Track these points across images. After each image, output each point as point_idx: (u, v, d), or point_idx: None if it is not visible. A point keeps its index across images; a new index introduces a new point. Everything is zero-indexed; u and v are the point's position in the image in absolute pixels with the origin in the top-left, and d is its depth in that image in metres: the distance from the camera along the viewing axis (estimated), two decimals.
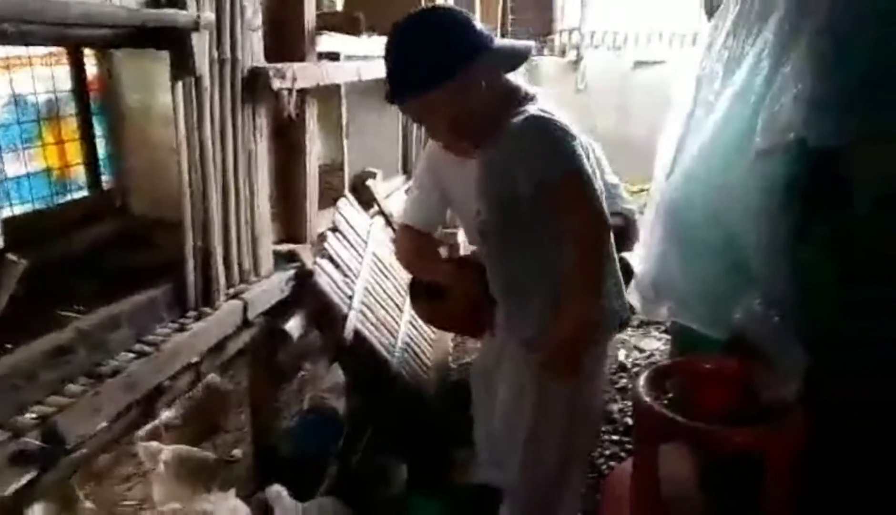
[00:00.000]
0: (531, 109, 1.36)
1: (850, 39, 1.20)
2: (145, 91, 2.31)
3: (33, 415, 1.28)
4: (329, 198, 2.61)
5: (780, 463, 1.21)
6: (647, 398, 1.31)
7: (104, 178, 2.36)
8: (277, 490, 1.84)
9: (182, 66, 1.57)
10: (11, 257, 1.12)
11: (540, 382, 1.47)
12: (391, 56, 1.45)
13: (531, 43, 1.49)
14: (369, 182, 2.90)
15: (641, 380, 1.38)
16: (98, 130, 2.33)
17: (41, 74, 2.16)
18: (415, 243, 1.93)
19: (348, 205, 2.61)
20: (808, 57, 1.24)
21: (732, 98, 1.46)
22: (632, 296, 1.78)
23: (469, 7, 3.80)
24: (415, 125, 3.49)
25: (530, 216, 1.37)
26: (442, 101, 1.36)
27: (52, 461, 1.27)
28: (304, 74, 2.06)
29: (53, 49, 2.15)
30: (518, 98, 1.41)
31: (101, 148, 2.34)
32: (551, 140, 1.31)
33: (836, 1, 1.23)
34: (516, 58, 1.44)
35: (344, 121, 2.76)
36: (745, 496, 1.29)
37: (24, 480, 1.25)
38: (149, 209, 2.38)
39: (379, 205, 2.87)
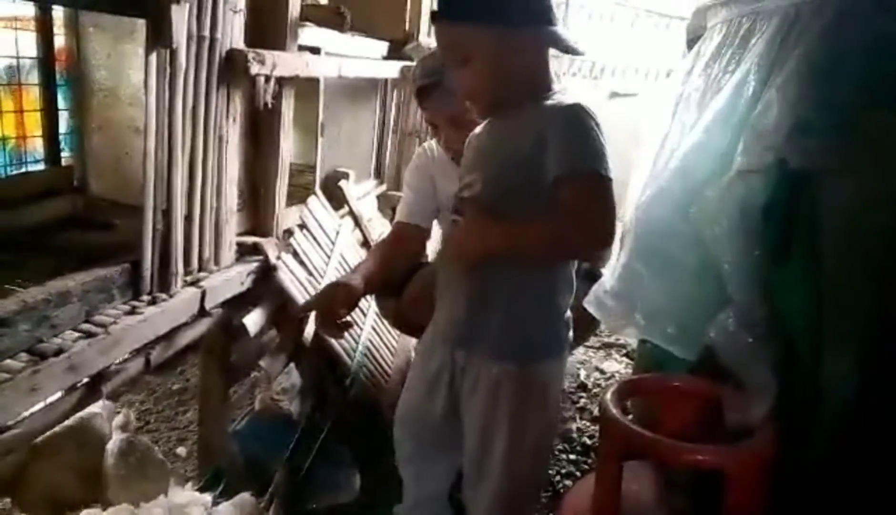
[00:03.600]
0: (572, 96, 1.30)
1: (839, 65, 1.22)
2: (114, 69, 2.23)
3: None
4: (298, 198, 2.55)
5: (746, 484, 1.20)
6: (615, 411, 1.29)
7: (64, 153, 2.27)
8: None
9: (158, 37, 1.51)
10: None
11: (515, 394, 1.38)
12: None
13: (580, 46, 1.41)
14: (341, 183, 2.85)
15: (609, 394, 1.36)
16: (61, 104, 2.24)
17: (4, 38, 2.06)
18: (407, 238, 1.97)
19: (318, 203, 2.55)
20: (795, 77, 1.25)
21: (713, 118, 1.46)
22: (597, 310, 1.76)
23: None
24: (391, 130, 3.46)
25: (531, 199, 1.27)
26: (493, 45, 1.26)
27: None
28: (284, 62, 2.01)
29: (18, 12, 2.06)
30: (552, 84, 1.35)
31: (64, 122, 2.25)
32: (598, 135, 1.24)
33: (829, 24, 1.26)
34: (567, 47, 1.35)
35: (320, 118, 2.71)
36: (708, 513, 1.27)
37: None
38: (108, 191, 2.29)
39: (350, 206, 2.82)
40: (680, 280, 1.51)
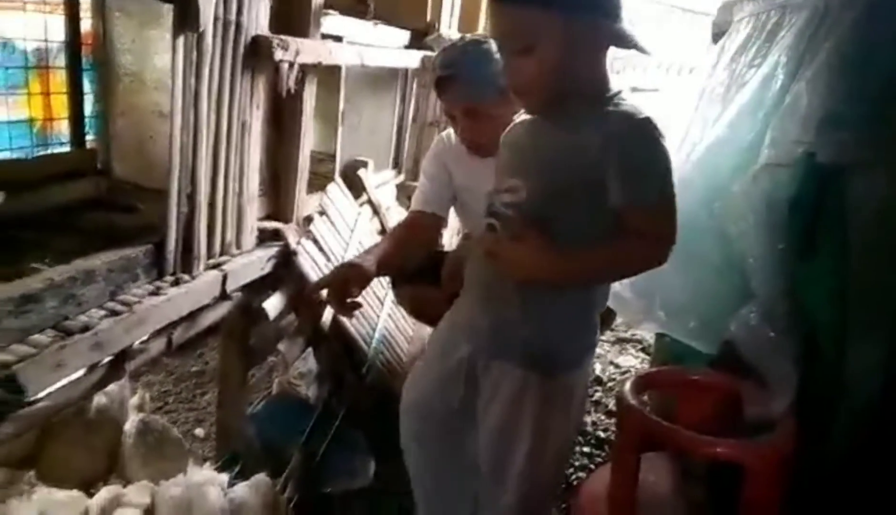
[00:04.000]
0: (640, 107, 1.21)
1: (870, 57, 1.20)
2: (139, 54, 2.25)
3: None
4: (318, 185, 2.57)
5: (765, 478, 1.19)
6: (633, 401, 1.29)
7: (88, 136, 2.29)
8: None
9: (185, 20, 1.52)
10: None
11: (539, 401, 1.36)
12: None
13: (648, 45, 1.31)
14: (360, 172, 2.86)
15: (627, 385, 1.36)
16: (87, 87, 2.26)
17: (33, 21, 2.09)
18: (422, 226, 1.91)
19: (337, 190, 2.57)
20: (825, 70, 1.24)
21: (738, 112, 1.45)
22: (616, 304, 1.76)
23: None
24: (410, 120, 3.47)
25: (587, 215, 1.23)
26: (561, 34, 1.17)
27: (11, 410, 1.20)
28: (307, 49, 2.02)
29: None
30: (610, 86, 1.26)
31: (88, 105, 2.27)
32: (666, 155, 1.17)
33: (860, 17, 1.24)
34: (635, 44, 1.25)
35: (341, 107, 2.72)
36: (724, 508, 1.27)
37: None
38: (131, 174, 2.31)
39: (369, 195, 2.83)
40: (702, 275, 1.51)
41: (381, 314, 2.63)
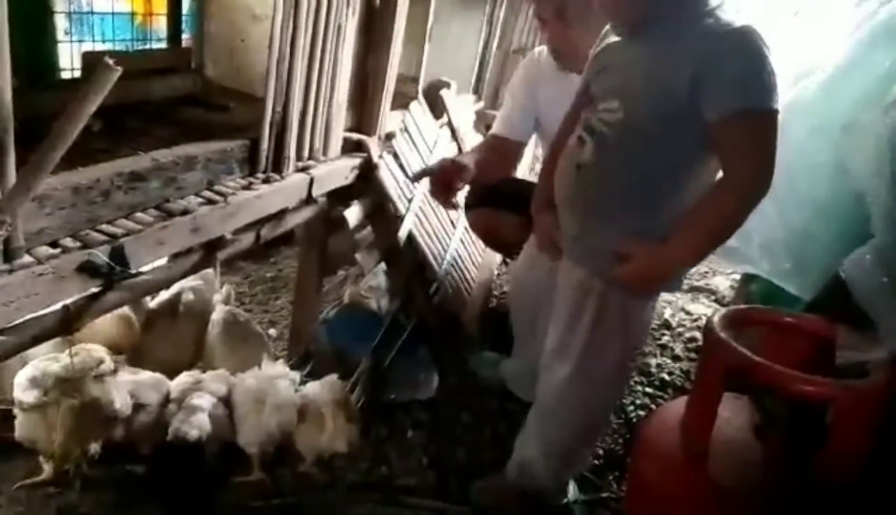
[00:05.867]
0: (734, 18, 1.17)
1: None
2: None
3: (103, 233, 1.27)
4: (400, 104, 2.55)
5: (855, 423, 1.15)
6: (723, 334, 1.25)
7: (184, 35, 2.32)
8: None
9: None
10: (109, 60, 1.08)
11: (598, 306, 1.44)
12: None
13: None
14: (443, 92, 2.82)
15: (717, 317, 1.33)
16: None
17: None
18: (504, 152, 1.99)
19: (419, 109, 2.54)
20: None
21: (873, 38, 1.33)
22: None
23: None
24: (495, 46, 3.38)
25: (677, 135, 1.22)
26: None
27: (117, 279, 1.27)
28: None
29: None
30: (707, 2, 1.22)
31: (185, 4, 2.30)
32: (764, 65, 1.12)
33: None
34: None
35: (430, 22, 2.66)
36: (803, 450, 1.25)
37: (86, 292, 1.25)
38: (222, 76, 2.34)
39: (449, 117, 2.80)
40: (805, 212, 1.43)
41: (454, 238, 2.64)
